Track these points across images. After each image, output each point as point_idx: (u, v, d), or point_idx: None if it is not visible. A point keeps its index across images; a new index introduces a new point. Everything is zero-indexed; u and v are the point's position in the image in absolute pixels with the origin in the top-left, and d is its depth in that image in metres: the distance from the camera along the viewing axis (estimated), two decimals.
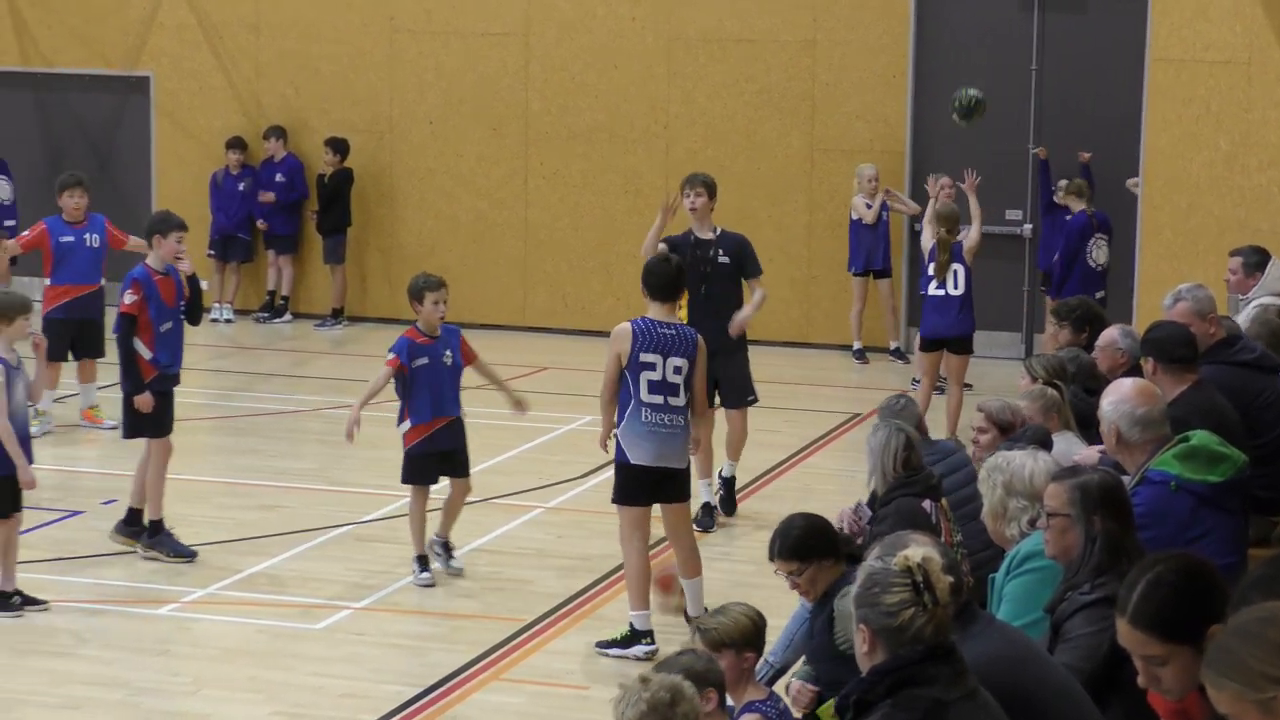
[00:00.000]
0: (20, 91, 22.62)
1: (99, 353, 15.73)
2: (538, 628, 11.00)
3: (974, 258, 15.59)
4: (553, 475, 14.49)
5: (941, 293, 15.30)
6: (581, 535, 12.83)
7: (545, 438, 15.76)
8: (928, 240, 15.60)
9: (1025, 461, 7.20)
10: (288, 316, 21.74)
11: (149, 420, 12.17)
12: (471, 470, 12.08)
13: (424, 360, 11.67)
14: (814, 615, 7.76)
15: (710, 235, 13.16)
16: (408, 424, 11.73)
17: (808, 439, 15.96)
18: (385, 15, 21.36)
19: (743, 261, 13.17)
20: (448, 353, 11.76)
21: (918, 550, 5.00)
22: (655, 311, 10.56)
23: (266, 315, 21.77)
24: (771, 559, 7.77)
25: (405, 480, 11.90)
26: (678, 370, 10.45)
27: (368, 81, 21.49)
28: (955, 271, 15.29)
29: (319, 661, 10.39)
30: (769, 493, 14.19)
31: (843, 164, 19.93)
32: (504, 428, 15.09)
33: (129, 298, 12.03)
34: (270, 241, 21.76)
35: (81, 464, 14.84)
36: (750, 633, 7.10)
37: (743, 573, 11.86)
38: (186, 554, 12.14)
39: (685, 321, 11.85)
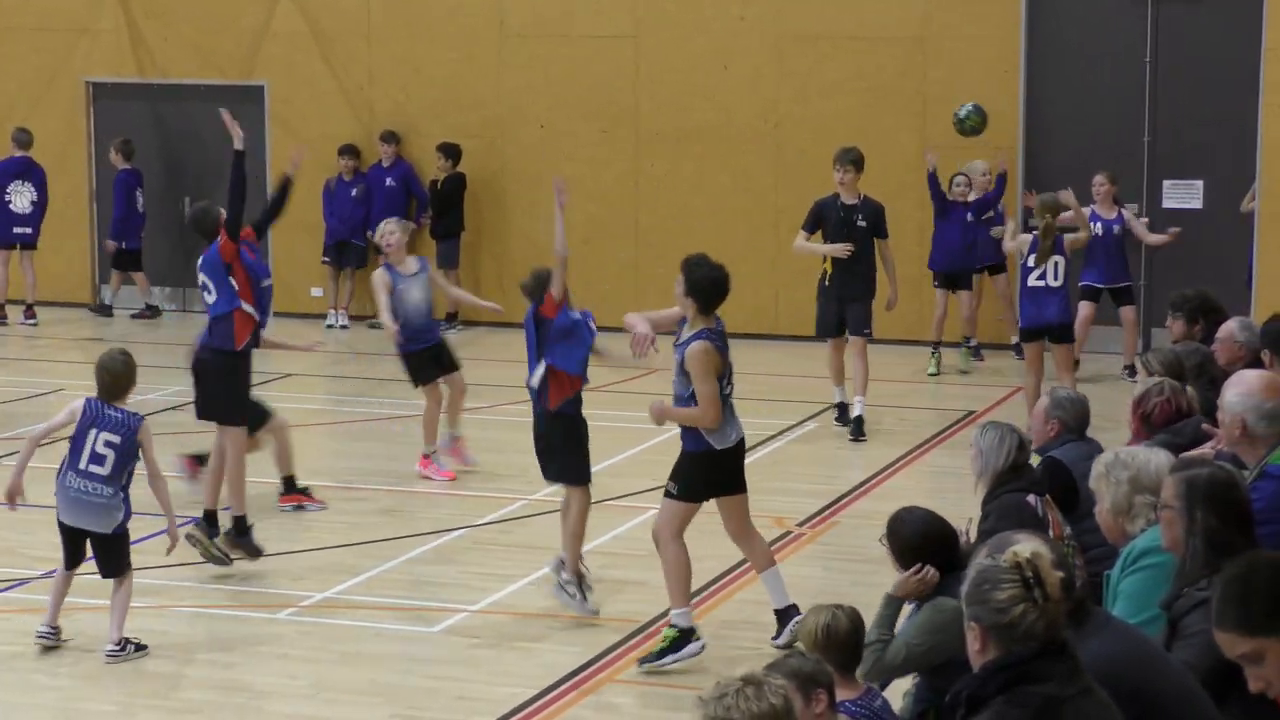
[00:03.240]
0: (138, 102, 22.90)
1: None
2: (653, 629, 10.98)
3: (1073, 252, 15.58)
4: (664, 477, 14.43)
5: (1041, 283, 15.19)
6: (694, 535, 12.79)
7: (658, 439, 15.76)
8: (1010, 245, 15.84)
9: (1150, 457, 7.15)
10: None
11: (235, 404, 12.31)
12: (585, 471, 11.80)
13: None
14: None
15: (854, 201, 15.77)
16: (543, 368, 11.27)
17: (922, 437, 15.90)
18: (495, 19, 21.45)
19: (878, 225, 15.79)
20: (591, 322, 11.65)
21: (1027, 546, 4.97)
22: (703, 321, 10.50)
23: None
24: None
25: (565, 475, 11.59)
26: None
27: (478, 86, 21.58)
28: (1056, 263, 15.19)
29: (435, 664, 10.45)
30: (880, 493, 14.12)
31: (955, 159, 19.77)
32: (617, 430, 15.13)
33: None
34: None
35: None
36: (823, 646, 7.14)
37: (859, 571, 11.82)
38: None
39: (830, 273, 15.78)
